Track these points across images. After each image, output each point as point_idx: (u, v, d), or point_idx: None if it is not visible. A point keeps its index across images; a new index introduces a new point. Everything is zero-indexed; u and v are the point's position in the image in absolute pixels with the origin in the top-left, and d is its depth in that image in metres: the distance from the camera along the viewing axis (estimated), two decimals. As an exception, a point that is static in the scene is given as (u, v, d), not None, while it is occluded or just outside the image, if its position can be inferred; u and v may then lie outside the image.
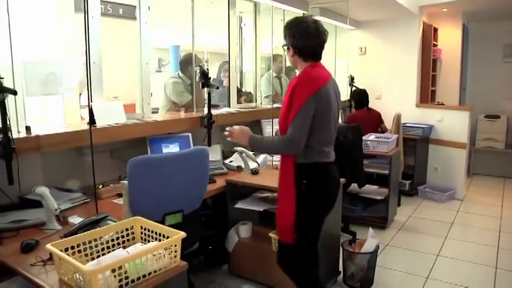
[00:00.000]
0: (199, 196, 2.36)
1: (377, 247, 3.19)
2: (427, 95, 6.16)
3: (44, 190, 2.14)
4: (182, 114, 3.51)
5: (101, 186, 2.72)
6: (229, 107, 4.02)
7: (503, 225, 4.60)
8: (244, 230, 3.11)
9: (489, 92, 6.91)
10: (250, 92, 4.57)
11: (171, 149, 3.06)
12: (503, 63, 6.81)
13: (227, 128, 2.38)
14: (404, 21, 5.87)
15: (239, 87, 4.55)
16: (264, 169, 3.34)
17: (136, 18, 4.78)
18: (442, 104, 6.04)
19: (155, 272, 1.48)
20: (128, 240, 1.69)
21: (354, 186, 4.10)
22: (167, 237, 1.58)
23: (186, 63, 3.86)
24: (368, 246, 3.13)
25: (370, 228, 3.29)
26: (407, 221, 4.77)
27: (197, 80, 3.25)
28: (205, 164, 2.30)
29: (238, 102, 4.18)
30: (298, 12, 4.66)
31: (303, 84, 2.10)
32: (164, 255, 1.52)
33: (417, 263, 3.63)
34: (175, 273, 1.55)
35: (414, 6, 5.52)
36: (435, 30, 6.20)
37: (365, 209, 4.53)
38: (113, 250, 1.60)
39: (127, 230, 1.69)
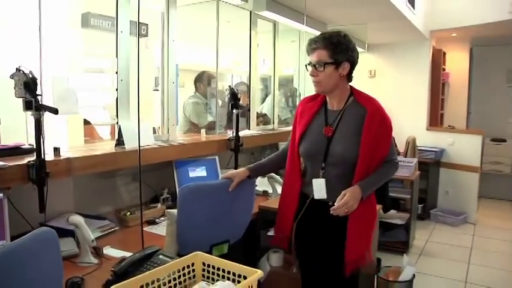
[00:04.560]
0: (244, 224, 2.20)
1: (414, 276, 3.04)
2: (437, 119, 6.12)
3: (79, 219, 1.96)
4: (203, 137, 3.34)
5: (128, 213, 2.54)
6: (249, 129, 3.86)
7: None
8: (276, 258, 2.91)
9: (494, 116, 6.81)
10: (266, 114, 4.44)
11: (198, 173, 2.89)
12: (508, 88, 6.77)
13: (336, 208, 1.90)
14: (415, 45, 5.86)
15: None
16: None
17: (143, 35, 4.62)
18: (453, 128, 5.98)
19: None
20: (189, 278, 1.51)
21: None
22: (238, 275, 1.42)
23: (200, 80, 3.76)
24: (406, 275, 2.98)
25: (405, 255, 3.18)
26: (426, 245, 4.65)
27: (226, 100, 3.11)
28: (252, 190, 2.15)
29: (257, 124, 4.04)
30: (316, 33, 4.58)
31: (387, 115, 2.04)
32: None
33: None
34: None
35: (426, 30, 5.51)
36: (444, 54, 6.19)
37: (382, 234, 4.40)
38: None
39: (188, 267, 1.51)
